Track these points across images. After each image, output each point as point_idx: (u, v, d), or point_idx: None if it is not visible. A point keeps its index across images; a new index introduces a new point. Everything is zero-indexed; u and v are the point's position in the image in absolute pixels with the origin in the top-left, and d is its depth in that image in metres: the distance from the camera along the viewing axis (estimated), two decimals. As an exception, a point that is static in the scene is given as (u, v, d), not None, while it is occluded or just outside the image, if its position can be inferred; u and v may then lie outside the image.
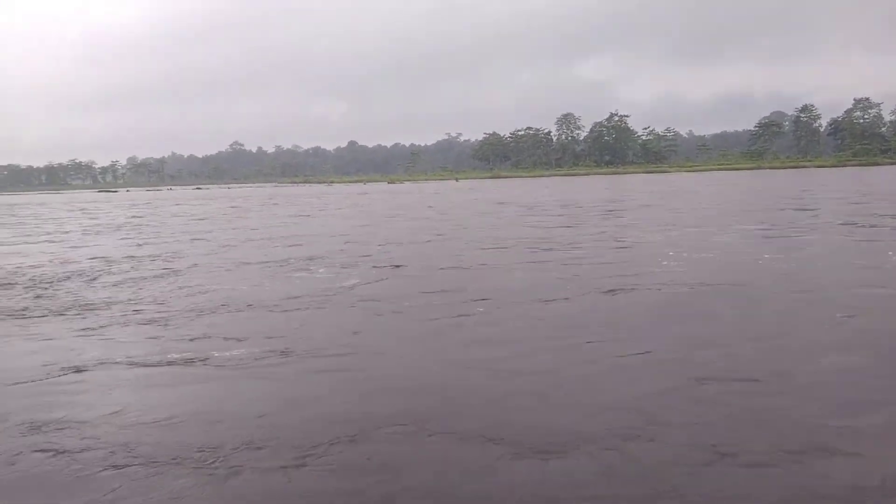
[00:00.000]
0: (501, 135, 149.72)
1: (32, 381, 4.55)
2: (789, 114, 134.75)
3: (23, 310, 7.06)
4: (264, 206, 32.38)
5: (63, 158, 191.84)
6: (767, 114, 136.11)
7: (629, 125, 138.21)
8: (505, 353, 4.95)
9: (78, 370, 4.75)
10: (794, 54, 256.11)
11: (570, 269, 8.87)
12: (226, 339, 5.52)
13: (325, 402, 4.00)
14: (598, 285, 7.52)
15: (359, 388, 4.25)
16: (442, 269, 9.48)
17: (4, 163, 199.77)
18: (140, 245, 13.95)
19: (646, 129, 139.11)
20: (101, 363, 4.93)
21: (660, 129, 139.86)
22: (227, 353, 5.04)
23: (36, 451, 3.35)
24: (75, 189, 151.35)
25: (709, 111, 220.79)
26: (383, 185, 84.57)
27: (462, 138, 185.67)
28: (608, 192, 36.12)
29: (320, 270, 9.33)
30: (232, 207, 32.71)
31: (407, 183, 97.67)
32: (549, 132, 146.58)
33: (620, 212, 19.42)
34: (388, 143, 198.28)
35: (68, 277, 9.35)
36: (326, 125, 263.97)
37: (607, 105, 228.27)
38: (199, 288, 8.12)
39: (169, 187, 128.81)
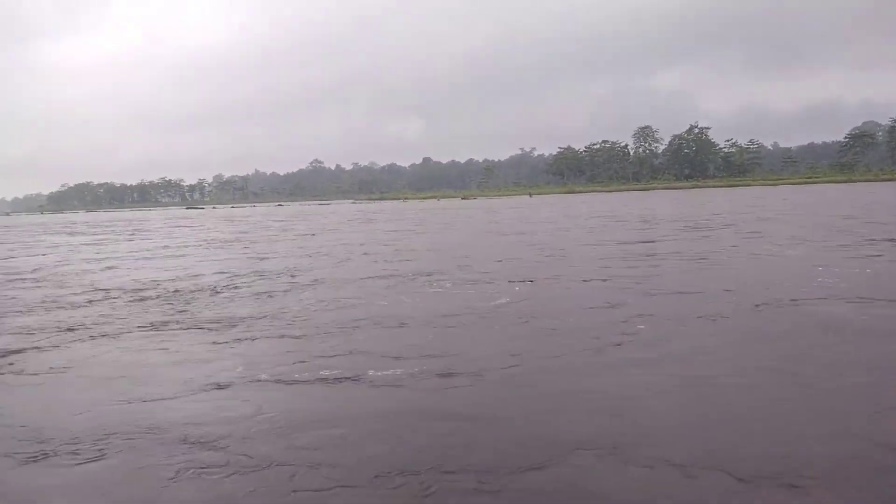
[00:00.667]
0: (576, 149, 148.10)
1: (176, 397, 4.45)
2: (883, 123, 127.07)
3: (162, 323, 7.06)
4: (362, 222, 32.75)
5: (154, 177, 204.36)
6: (859, 124, 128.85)
7: (710, 137, 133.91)
8: (688, 372, 4.52)
9: (221, 386, 4.64)
10: (887, 60, 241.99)
11: (724, 281, 8.33)
12: (379, 356, 5.23)
13: (503, 423, 3.72)
14: (759, 299, 6.97)
15: (534, 408, 3.97)
16: (585, 281, 9.03)
17: (101, 181, 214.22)
18: (261, 259, 14.15)
19: (728, 141, 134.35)
20: (247, 379, 4.81)
21: (742, 141, 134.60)
22: (384, 372, 4.78)
23: (193, 467, 3.25)
24: (165, 206, 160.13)
25: (794, 122, 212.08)
26: (457, 201, 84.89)
27: (536, 153, 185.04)
28: (711, 205, 34.74)
29: (447, 284, 9.05)
30: (329, 222, 33.54)
31: (480, 199, 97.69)
32: (626, 145, 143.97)
33: (737, 224, 18.48)
34: (462, 159, 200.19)
35: (200, 291, 9.41)
36: (402, 142, 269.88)
37: (685, 117, 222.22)
38: (335, 303, 7.95)
39: (252, 204, 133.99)
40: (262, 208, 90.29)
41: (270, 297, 8.74)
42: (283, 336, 6.25)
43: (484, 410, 3.96)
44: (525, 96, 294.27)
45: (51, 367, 5.42)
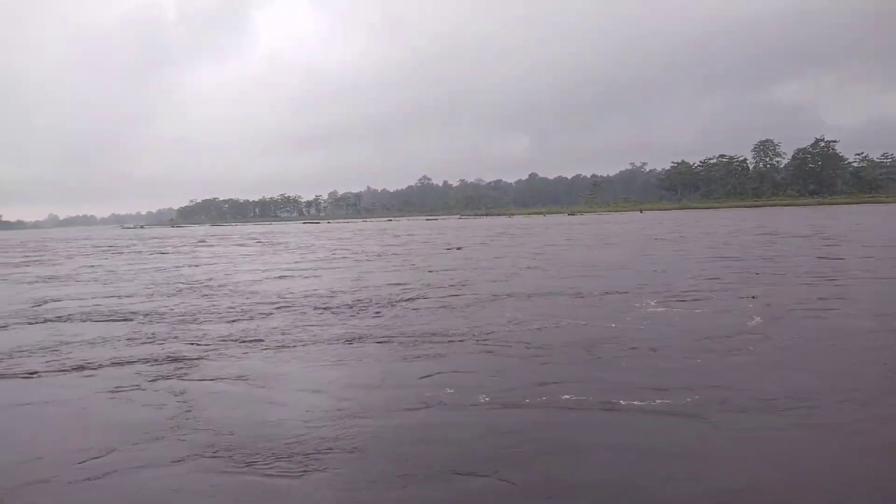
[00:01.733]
0: (690, 163, 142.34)
1: (388, 413, 4.45)
2: None
3: (355, 337, 7.04)
4: (497, 237, 32.80)
5: (274, 193, 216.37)
6: None
7: (837, 151, 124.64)
8: None
9: (429, 405, 4.60)
10: None
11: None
12: (642, 387, 4.80)
13: (825, 463, 3.47)
14: None
15: (857, 446, 3.65)
16: (822, 299, 8.62)
17: (226, 197, 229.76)
18: (427, 271, 14.60)
19: (858, 155, 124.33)
20: (464, 400, 4.64)
21: (874, 156, 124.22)
22: (640, 402, 4.45)
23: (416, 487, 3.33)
24: (283, 221, 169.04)
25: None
26: (563, 217, 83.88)
27: (647, 168, 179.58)
28: (868, 221, 32.48)
29: (651, 302, 8.66)
30: (466, 235, 34.31)
31: (588, 214, 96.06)
32: (745, 160, 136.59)
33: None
34: (569, 175, 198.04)
35: (380, 302, 9.60)
36: (508, 158, 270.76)
37: (808, 130, 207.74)
38: (537, 320, 7.59)
39: (364, 219, 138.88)
40: (373, 223, 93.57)
41: (453, 310, 8.73)
42: (490, 353, 6.09)
43: (796, 447, 3.66)
44: (636, 110, 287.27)
45: (259, 375, 5.59)
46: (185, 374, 5.74)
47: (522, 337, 6.77)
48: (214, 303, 10.51)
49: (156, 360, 6.28)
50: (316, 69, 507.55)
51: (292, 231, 66.83)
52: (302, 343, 6.90)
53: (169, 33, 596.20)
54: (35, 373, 6.00)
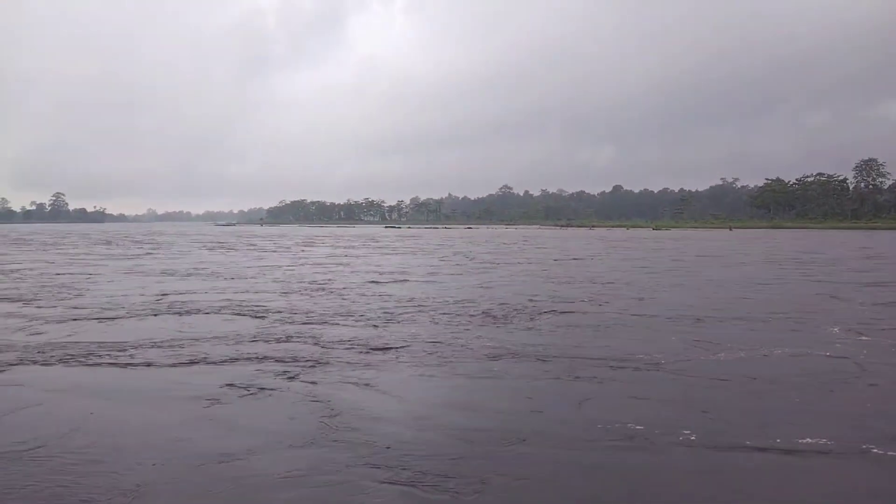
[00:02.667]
0: (785, 181, 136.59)
1: (590, 447, 4.11)
2: None
3: (539, 355, 6.68)
4: (612, 248, 32.24)
5: (358, 197, 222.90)
6: None
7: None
8: None
9: (731, 447, 4.13)
10: None
11: None
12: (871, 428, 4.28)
13: None
14: None
15: None
16: None
17: (314, 199, 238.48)
18: (557, 283, 14.60)
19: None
20: (666, 437, 4.24)
21: None
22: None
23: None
24: (366, 224, 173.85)
25: None
26: (649, 231, 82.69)
27: (738, 184, 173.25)
28: None
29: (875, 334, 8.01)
30: (568, 247, 34.43)
31: (674, 230, 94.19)
32: (845, 179, 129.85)
33: None
34: (655, 188, 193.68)
35: (531, 317, 9.36)
36: (591, 169, 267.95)
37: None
38: (749, 349, 6.93)
39: (445, 226, 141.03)
40: (455, 230, 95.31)
41: (605, 328, 8.27)
42: (678, 381, 5.58)
43: None
44: (730, 125, 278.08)
45: (404, 385, 5.60)
46: (325, 377, 5.75)
47: (718, 367, 6.14)
48: (346, 302, 10.88)
49: (295, 360, 6.39)
50: (407, 76, 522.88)
51: (383, 234, 69.10)
52: (446, 355, 6.68)
53: (268, 40, 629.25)
54: (181, 363, 6.36)
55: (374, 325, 8.69)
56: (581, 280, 15.43)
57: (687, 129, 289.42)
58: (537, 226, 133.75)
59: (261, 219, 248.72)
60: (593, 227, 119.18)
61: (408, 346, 7.22)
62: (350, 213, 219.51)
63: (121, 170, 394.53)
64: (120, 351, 6.98)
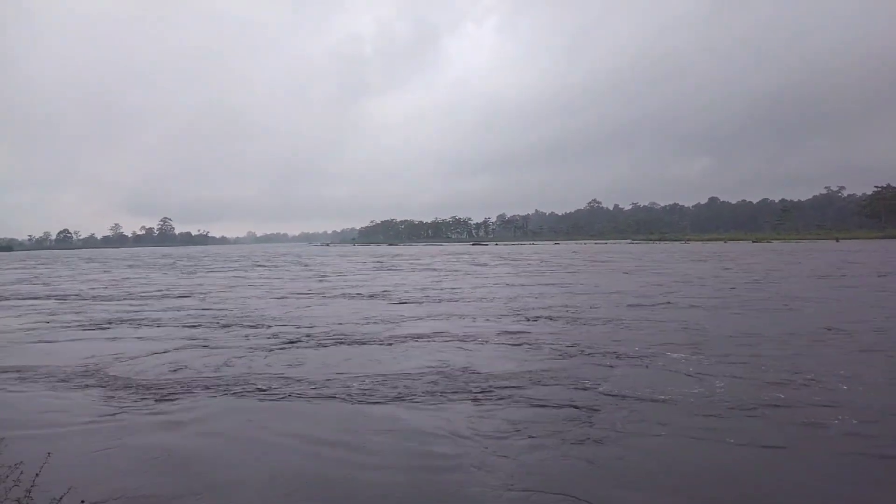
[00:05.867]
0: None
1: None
2: None
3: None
4: (729, 266, 31.19)
5: (446, 215, 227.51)
6: None
7: None
8: None
9: None
10: None
11: None
12: None
13: None
14: None
15: None
16: None
17: (402, 219, 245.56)
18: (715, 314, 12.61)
19: None
20: None
21: None
22: None
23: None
24: (454, 242, 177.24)
25: None
26: (749, 245, 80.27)
27: (844, 193, 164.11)
28: None
29: None
30: (688, 268, 34.02)
31: (776, 242, 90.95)
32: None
33: None
34: (754, 199, 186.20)
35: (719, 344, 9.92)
36: (685, 182, 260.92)
37: None
38: None
39: (532, 242, 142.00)
40: (540, 245, 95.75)
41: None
42: None
43: None
44: (835, 130, 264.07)
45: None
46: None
47: None
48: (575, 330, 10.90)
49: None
50: (497, 95, 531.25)
51: (486, 251, 70.67)
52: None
53: (365, 66, 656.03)
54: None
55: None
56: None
57: (787, 138, 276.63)
58: (628, 241, 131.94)
59: (353, 238, 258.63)
60: (688, 240, 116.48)
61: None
62: (437, 232, 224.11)
63: (223, 194, 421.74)
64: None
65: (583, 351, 8.95)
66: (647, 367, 7.84)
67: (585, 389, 6.77)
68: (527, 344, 9.68)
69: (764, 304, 14.35)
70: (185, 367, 8.36)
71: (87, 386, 7.38)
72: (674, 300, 15.43)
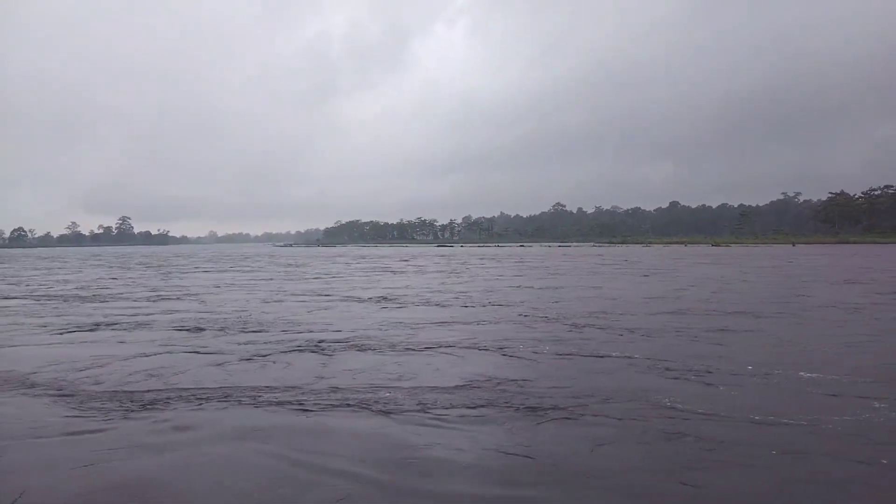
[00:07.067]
0: (851, 194, 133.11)
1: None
2: None
3: None
4: (709, 265, 31.91)
5: (411, 216, 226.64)
6: None
7: None
8: None
9: None
10: None
11: None
12: None
13: None
14: None
15: None
16: None
17: (368, 219, 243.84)
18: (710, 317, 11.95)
19: None
20: None
21: None
22: None
23: None
24: (419, 244, 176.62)
25: None
26: (709, 248, 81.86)
27: (801, 198, 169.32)
28: None
29: None
30: (669, 267, 34.38)
31: (734, 246, 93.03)
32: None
33: None
34: (714, 204, 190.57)
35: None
36: (647, 186, 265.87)
37: None
38: None
39: (497, 244, 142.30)
40: (507, 249, 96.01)
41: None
42: None
43: None
44: (791, 139, 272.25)
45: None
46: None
47: None
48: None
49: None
50: (465, 98, 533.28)
51: (458, 253, 70.15)
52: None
53: (333, 65, 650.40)
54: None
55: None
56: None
57: (746, 144, 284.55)
58: (591, 243, 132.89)
59: (317, 239, 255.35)
60: (649, 243, 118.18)
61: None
62: (403, 233, 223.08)
63: (184, 194, 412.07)
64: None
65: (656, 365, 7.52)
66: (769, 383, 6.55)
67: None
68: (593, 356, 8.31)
69: None
70: (198, 378, 7.64)
71: (54, 395, 6.55)
72: (719, 307, 13.68)
